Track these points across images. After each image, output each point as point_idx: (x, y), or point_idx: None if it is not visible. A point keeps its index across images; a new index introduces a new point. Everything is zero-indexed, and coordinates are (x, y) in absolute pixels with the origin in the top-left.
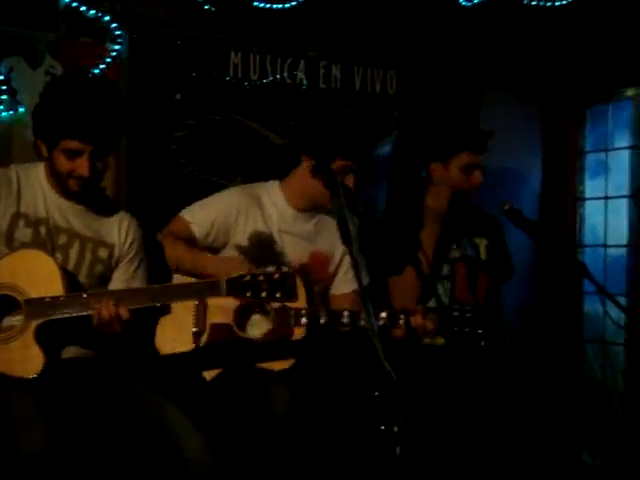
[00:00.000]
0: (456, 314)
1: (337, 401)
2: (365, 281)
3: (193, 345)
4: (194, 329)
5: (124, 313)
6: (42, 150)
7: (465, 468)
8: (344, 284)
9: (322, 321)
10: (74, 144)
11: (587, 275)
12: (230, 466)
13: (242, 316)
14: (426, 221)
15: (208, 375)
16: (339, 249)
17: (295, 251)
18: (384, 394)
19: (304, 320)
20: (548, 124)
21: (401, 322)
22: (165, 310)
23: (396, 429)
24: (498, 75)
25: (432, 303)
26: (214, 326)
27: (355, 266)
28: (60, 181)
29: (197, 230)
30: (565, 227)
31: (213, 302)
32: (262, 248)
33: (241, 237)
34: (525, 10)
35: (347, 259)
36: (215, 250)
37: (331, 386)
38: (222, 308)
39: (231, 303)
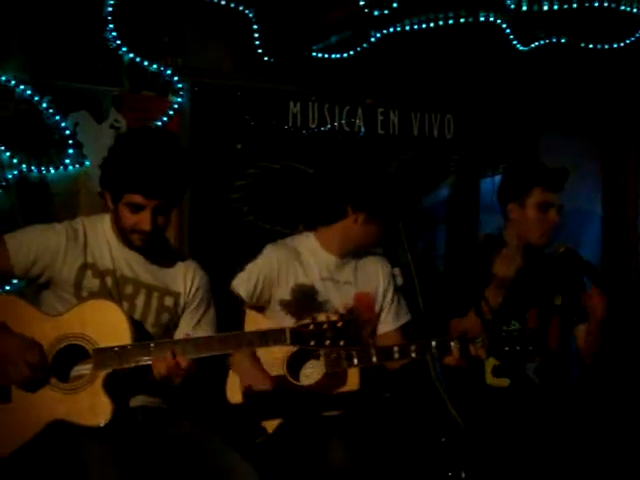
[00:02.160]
0: (504, 334)
1: (403, 448)
2: (406, 319)
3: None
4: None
5: (183, 363)
6: (108, 202)
7: None
8: (388, 322)
9: (374, 360)
10: (137, 198)
11: None
12: None
13: (294, 366)
14: (493, 286)
15: (269, 426)
16: (381, 288)
17: (339, 297)
18: (451, 440)
19: (356, 360)
20: (608, 164)
21: (452, 346)
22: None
23: (464, 475)
24: (556, 118)
25: None
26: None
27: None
28: (124, 234)
29: (243, 292)
30: (629, 268)
31: (265, 358)
32: (306, 299)
33: (284, 291)
34: (581, 53)
35: (388, 297)
36: (260, 308)
37: (397, 433)
38: (274, 360)
39: (280, 354)
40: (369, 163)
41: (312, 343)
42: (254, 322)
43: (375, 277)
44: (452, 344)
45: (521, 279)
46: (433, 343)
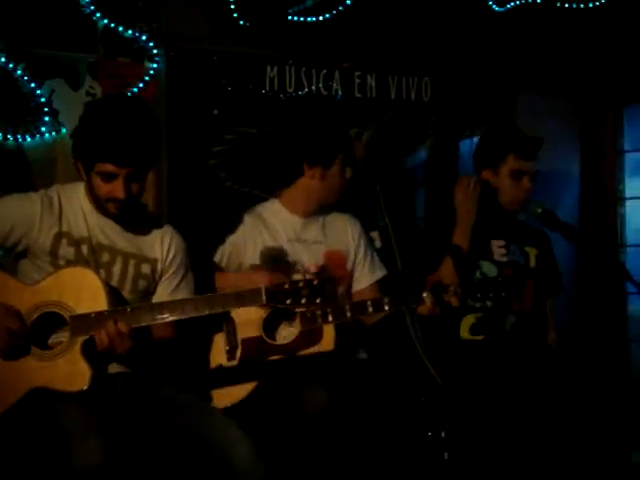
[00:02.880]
0: (477, 280)
1: (383, 406)
2: (381, 274)
3: (230, 362)
4: (226, 347)
5: (124, 328)
6: (81, 171)
7: (511, 470)
8: (363, 278)
9: (348, 315)
10: (109, 167)
11: (627, 276)
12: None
13: (270, 326)
14: (457, 221)
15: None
16: (352, 246)
17: (309, 257)
18: (430, 400)
19: (330, 317)
20: (585, 125)
21: (425, 297)
22: (216, 328)
23: (443, 435)
24: (533, 79)
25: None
26: (245, 341)
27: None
28: (99, 203)
29: (215, 259)
30: (606, 228)
31: (240, 319)
32: (275, 262)
33: (253, 258)
34: (558, 12)
35: (360, 254)
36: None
37: (377, 390)
38: (249, 322)
39: (256, 315)
40: (320, 119)
41: (288, 302)
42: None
43: (344, 235)
44: (425, 294)
45: (483, 218)
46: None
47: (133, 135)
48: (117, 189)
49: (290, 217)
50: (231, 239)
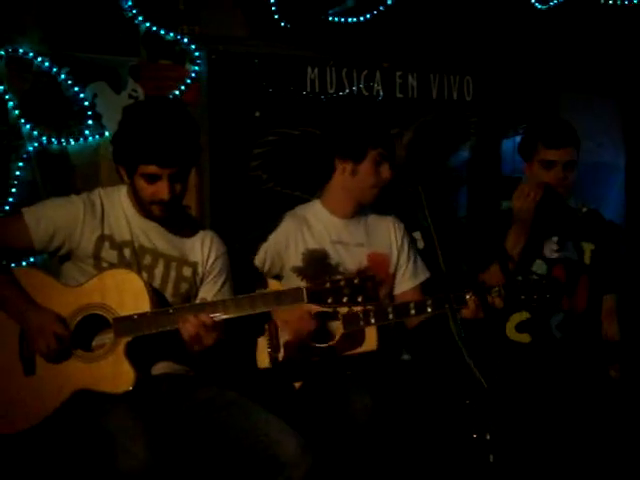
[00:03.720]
0: (521, 282)
1: (427, 408)
2: (424, 276)
3: (272, 364)
4: (268, 349)
5: (207, 320)
6: (123, 176)
7: (557, 471)
8: (406, 281)
9: (390, 317)
10: (152, 169)
11: None
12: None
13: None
14: (513, 224)
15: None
16: (394, 248)
17: (352, 258)
18: (475, 402)
19: (373, 319)
20: (629, 123)
21: (468, 298)
22: (261, 330)
23: (488, 437)
24: (575, 77)
25: None
26: (287, 343)
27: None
28: (143, 206)
29: (257, 262)
30: None
31: (282, 320)
32: (317, 264)
33: (295, 260)
34: (601, 9)
35: (403, 257)
36: (277, 277)
37: (421, 392)
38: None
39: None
40: (352, 114)
41: (330, 301)
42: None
43: (387, 237)
44: (467, 296)
45: (541, 222)
46: (450, 296)
47: (174, 135)
48: (161, 190)
49: (331, 218)
50: (273, 240)
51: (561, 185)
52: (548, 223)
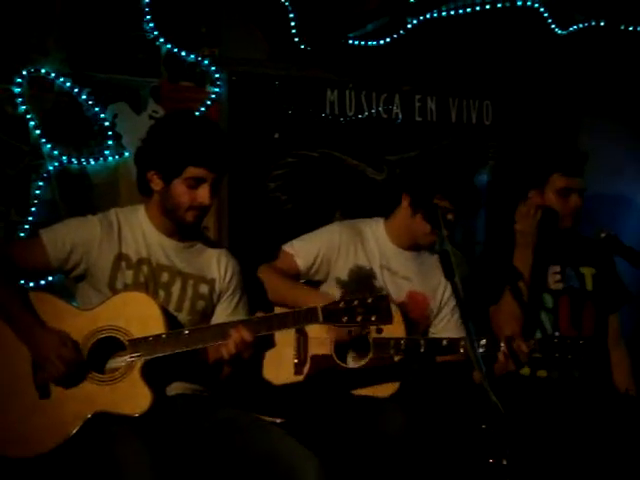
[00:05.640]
0: (556, 341)
1: (444, 432)
2: (457, 335)
3: (295, 376)
4: (295, 360)
5: (248, 336)
6: (154, 183)
7: None
8: (446, 332)
9: (422, 350)
10: (201, 172)
11: None
12: None
13: (342, 347)
14: (517, 246)
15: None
16: (439, 294)
17: (394, 288)
18: (491, 427)
19: (404, 349)
20: None
21: (502, 348)
22: (269, 344)
23: (505, 462)
24: (596, 103)
25: (538, 334)
26: (315, 357)
27: (458, 300)
28: (173, 215)
29: (301, 263)
30: None
31: (313, 334)
32: (362, 282)
33: (342, 271)
34: (621, 35)
35: (448, 308)
36: (316, 283)
37: (438, 418)
38: (322, 339)
39: (329, 334)
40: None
41: (344, 320)
42: None
43: (437, 282)
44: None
45: (543, 237)
46: (483, 341)
47: (223, 141)
48: (204, 195)
49: (387, 242)
50: (327, 245)
51: (575, 212)
52: (550, 248)
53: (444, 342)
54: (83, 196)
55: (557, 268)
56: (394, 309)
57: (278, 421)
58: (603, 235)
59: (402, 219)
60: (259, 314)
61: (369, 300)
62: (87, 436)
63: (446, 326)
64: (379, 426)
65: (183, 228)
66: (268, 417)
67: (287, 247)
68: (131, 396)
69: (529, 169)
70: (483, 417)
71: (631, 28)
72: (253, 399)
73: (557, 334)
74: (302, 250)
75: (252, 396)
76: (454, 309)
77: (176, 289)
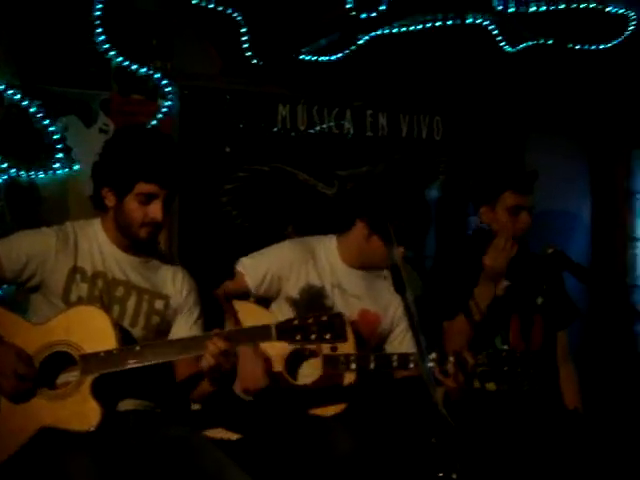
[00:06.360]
0: (505, 355)
1: (394, 447)
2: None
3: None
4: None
5: (222, 345)
6: (108, 200)
7: None
8: (402, 347)
9: (372, 366)
10: (151, 188)
11: (638, 317)
12: None
13: (293, 364)
14: (482, 279)
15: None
16: (392, 310)
17: (345, 307)
18: (441, 440)
19: (353, 365)
20: (595, 166)
21: (451, 361)
22: None
23: (455, 476)
24: (543, 119)
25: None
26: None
27: (409, 314)
28: (127, 231)
29: (250, 281)
30: (617, 268)
31: (268, 351)
32: (313, 301)
33: (293, 289)
34: (569, 54)
35: (401, 327)
36: (267, 300)
37: (387, 432)
38: (273, 357)
39: (281, 351)
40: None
41: (298, 337)
42: (255, 316)
43: (388, 302)
44: (450, 357)
45: (513, 273)
46: (432, 355)
47: (174, 157)
48: (156, 211)
49: (338, 261)
50: (277, 264)
51: (524, 230)
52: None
53: (394, 357)
54: (32, 209)
55: (506, 283)
56: (347, 325)
57: (234, 438)
58: (550, 251)
59: (356, 240)
60: (215, 331)
61: (324, 318)
62: (36, 451)
63: (401, 343)
64: (327, 446)
65: (138, 244)
66: (224, 432)
67: (238, 266)
68: (81, 412)
69: (480, 186)
70: (433, 431)
71: (578, 46)
72: (212, 413)
73: (506, 347)
74: (251, 268)
75: (211, 410)
76: (406, 330)
77: (131, 304)
